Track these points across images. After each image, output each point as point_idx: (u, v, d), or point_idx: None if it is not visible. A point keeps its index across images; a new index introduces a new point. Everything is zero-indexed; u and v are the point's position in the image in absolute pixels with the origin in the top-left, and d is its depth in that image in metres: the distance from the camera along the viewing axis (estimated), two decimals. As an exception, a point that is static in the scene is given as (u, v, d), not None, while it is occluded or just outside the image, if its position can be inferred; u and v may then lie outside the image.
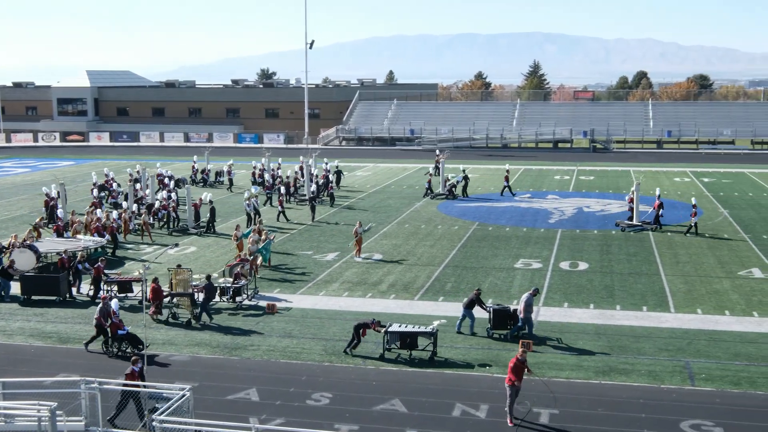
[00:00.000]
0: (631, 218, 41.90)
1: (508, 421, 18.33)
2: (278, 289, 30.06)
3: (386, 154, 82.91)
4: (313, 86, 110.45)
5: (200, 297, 26.88)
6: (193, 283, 27.96)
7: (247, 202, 42.67)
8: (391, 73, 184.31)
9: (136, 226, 40.40)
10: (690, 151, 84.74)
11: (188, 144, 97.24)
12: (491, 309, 24.95)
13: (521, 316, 24.29)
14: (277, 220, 43.69)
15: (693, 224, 39.46)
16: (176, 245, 37.33)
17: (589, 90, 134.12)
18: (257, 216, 42.04)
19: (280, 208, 44.50)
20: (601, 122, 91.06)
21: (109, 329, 23.21)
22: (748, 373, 21.44)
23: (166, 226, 41.94)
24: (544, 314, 26.92)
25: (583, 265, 33.58)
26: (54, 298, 28.89)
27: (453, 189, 52.46)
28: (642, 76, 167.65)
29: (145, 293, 25.59)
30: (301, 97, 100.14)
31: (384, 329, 22.92)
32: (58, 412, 16.28)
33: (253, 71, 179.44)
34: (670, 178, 61.95)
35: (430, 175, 55.64)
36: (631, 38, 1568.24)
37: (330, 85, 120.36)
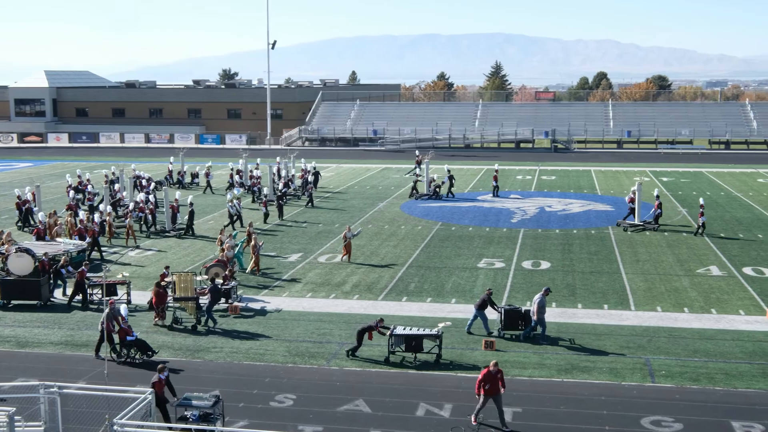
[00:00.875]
0: (631, 218, 42.26)
1: (472, 418, 18.41)
2: (241, 290, 29.86)
3: (349, 154, 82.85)
4: (276, 87, 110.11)
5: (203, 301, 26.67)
6: (201, 287, 27.52)
7: (230, 204, 42.33)
8: (353, 73, 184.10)
9: (116, 230, 39.68)
10: (649, 150, 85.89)
11: (149, 145, 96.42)
12: (502, 309, 24.89)
13: (534, 317, 24.20)
14: (264, 222, 43.28)
15: (701, 224, 39.65)
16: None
17: (550, 90, 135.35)
18: (239, 220, 41.85)
19: (264, 209, 44.20)
20: (562, 122, 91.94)
21: (117, 335, 22.76)
22: (706, 370, 21.77)
23: (144, 227, 41.17)
24: (507, 313, 27.05)
25: (545, 265, 33.85)
26: (35, 302, 28.33)
27: (438, 189, 52.52)
28: (602, 76, 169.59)
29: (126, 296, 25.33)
30: (263, 97, 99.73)
31: (389, 332, 22.59)
32: (16, 417, 16.00)
33: (214, 71, 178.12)
34: (630, 178, 62.66)
35: (417, 176, 55.51)
36: (591, 39, 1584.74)
37: (292, 86, 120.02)
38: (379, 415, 18.95)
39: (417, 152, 67.69)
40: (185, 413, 17.33)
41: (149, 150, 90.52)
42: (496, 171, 55.35)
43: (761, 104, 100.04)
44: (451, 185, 53.27)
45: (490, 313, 25.00)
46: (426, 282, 31.06)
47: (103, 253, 35.84)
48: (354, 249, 36.78)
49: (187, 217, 40.92)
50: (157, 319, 26.05)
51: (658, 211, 41.22)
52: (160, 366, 18.60)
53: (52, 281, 29.72)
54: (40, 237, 36.36)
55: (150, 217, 41.39)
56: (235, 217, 42.01)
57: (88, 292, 28.54)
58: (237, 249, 32.19)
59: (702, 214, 39.96)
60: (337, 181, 61.71)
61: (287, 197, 46.83)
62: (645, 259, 34.60)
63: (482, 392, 18.19)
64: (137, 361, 22.49)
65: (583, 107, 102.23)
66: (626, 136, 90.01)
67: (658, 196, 42.51)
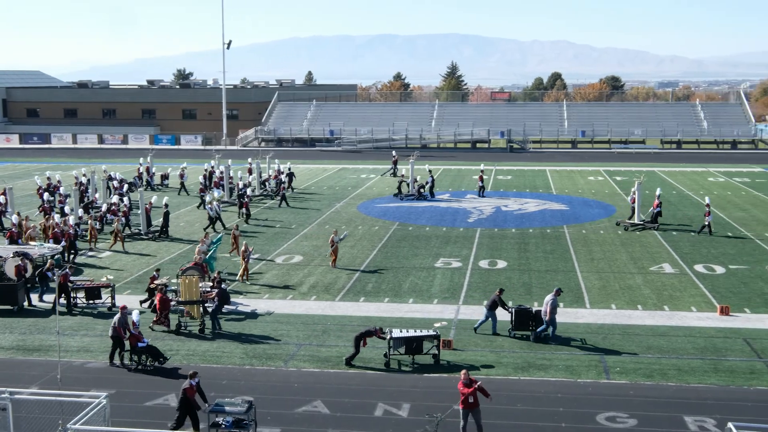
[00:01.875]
0: (632, 217, 42.63)
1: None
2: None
3: (306, 155, 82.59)
4: (231, 87, 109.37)
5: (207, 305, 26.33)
6: (207, 290, 27.10)
7: (210, 206, 41.85)
8: (310, 73, 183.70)
9: (83, 232, 38.96)
10: (603, 150, 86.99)
11: (102, 146, 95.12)
12: (513, 310, 24.83)
13: (546, 318, 24.18)
14: (246, 222, 42.88)
15: (707, 224, 39.94)
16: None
17: (505, 91, 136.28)
18: (219, 221, 41.43)
19: (245, 210, 43.70)
20: (518, 122, 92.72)
21: (128, 341, 22.31)
22: (659, 366, 22.12)
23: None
24: (464, 312, 27.22)
25: (501, 264, 34.09)
26: (11, 307, 27.69)
27: (422, 190, 52.57)
28: (557, 77, 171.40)
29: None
30: (218, 97, 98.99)
31: (387, 336, 22.31)
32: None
33: (169, 72, 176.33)
34: (585, 177, 63.44)
35: (402, 176, 55.30)
36: (546, 40, 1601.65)
37: (248, 86, 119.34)
38: (337, 416, 18.92)
39: (393, 153, 67.79)
40: (217, 419, 17.06)
41: (102, 151, 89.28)
42: (482, 171, 55.58)
43: (711, 104, 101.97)
44: (432, 185, 53.40)
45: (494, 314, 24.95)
46: (383, 282, 31.08)
47: (78, 257, 35.05)
48: (310, 250, 36.74)
49: (162, 219, 40.33)
50: (154, 324, 25.54)
51: (657, 209, 41.69)
52: (191, 372, 18.28)
53: (39, 285, 29.16)
54: (13, 240, 35.52)
55: (124, 219, 40.69)
56: (215, 219, 41.57)
57: (73, 295, 27.97)
58: (210, 253, 31.58)
59: (708, 214, 40.27)
60: (294, 181, 61.37)
61: (249, 197, 46.42)
62: (599, 258, 35.04)
63: (462, 406, 17.59)
64: (149, 368, 22.07)
65: (538, 107, 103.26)
66: (580, 136, 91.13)
67: (658, 196, 42.97)
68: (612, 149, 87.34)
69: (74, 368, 22.11)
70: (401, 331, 22.72)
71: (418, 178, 54.62)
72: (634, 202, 42.87)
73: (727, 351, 23.23)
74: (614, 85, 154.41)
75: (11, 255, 30.46)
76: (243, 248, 31.42)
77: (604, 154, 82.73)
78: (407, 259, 35.02)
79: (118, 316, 22.64)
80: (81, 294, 28.14)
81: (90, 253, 36.37)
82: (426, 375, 21.56)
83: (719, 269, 32.85)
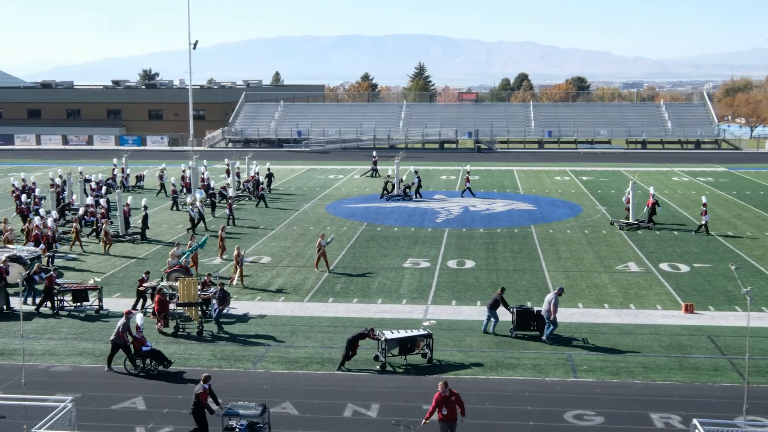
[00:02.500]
0: (627, 217, 42.85)
1: None
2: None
3: (274, 155, 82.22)
4: (198, 87, 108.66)
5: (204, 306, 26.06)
6: (209, 291, 26.78)
7: (191, 207, 41.44)
8: (277, 74, 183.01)
9: (61, 236, 38.33)
10: (569, 150, 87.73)
11: (66, 147, 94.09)
12: (515, 310, 24.83)
13: (551, 317, 24.12)
14: (233, 224, 42.45)
15: (704, 223, 40.16)
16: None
17: (472, 91, 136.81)
18: (202, 222, 41.07)
19: (228, 211, 43.30)
20: (485, 123, 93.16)
21: (132, 345, 21.93)
22: (626, 364, 22.34)
23: (94, 233, 39.69)
24: (433, 312, 27.29)
25: (469, 263, 34.23)
26: None
27: (407, 190, 52.48)
28: (523, 78, 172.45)
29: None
30: (185, 98, 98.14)
31: (382, 339, 22.14)
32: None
33: (134, 72, 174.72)
34: (552, 177, 63.91)
35: (388, 176, 55.06)
36: (512, 41, 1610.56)
37: (215, 87, 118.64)
38: (306, 417, 18.88)
39: (374, 153, 67.77)
40: (231, 423, 16.90)
41: (67, 152, 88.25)
42: (468, 172, 55.65)
43: (675, 105, 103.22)
44: (419, 186, 53.41)
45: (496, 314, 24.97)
46: (352, 283, 31.06)
47: (55, 260, 34.49)
48: (279, 251, 36.63)
49: (140, 221, 39.86)
50: (159, 326, 25.24)
51: (651, 209, 42.00)
52: (205, 375, 17.99)
53: (26, 288, 28.66)
54: None
55: (103, 221, 40.06)
56: (197, 221, 41.17)
57: (58, 298, 27.57)
58: (184, 256, 31.01)
59: (705, 213, 40.53)
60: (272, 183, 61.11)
61: (232, 198, 46.13)
62: (566, 257, 35.32)
63: (439, 418, 16.97)
64: (153, 372, 21.75)
65: (505, 108, 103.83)
66: (547, 136, 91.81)
67: (653, 195, 43.29)
68: (578, 149, 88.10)
69: (39, 372, 21.82)
70: (393, 332, 22.66)
71: (403, 178, 54.65)
72: (629, 202, 43.11)
73: (692, 348, 23.54)
74: (580, 85, 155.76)
75: (3, 259, 30.17)
76: (236, 252, 30.97)
77: (571, 155, 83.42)
78: (376, 259, 35.02)
79: (122, 320, 22.26)
80: (68, 297, 27.75)
81: (70, 255, 35.88)
82: (395, 375, 21.59)
83: (684, 268, 33.27)
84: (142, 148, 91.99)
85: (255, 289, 30.11)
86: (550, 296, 24.57)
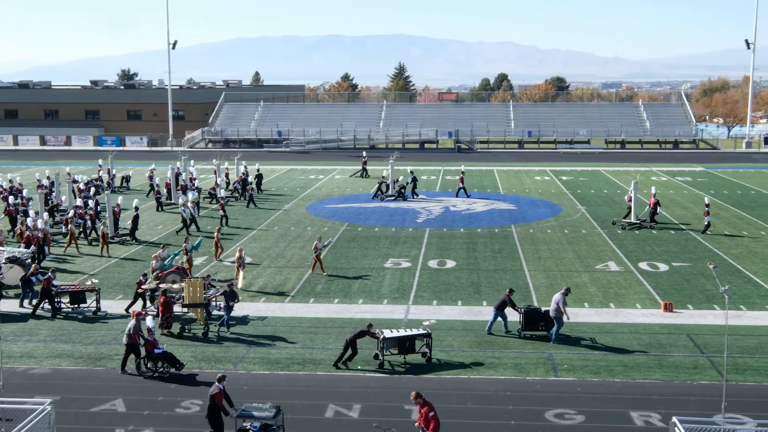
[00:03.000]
0: (627, 216, 42.97)
1: None
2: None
3: (254, 156, 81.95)
4: (177, 87, 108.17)
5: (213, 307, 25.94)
6: (218, 292, 26.60)
7: (183, 208, 41.17)
8: (257, 74, 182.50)
9: (52, 237, 37.83)
10: (549, 150, 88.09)
11: (44, 147, 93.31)
12: (522, 310, 24.84)
13: (554, 315, 24.13)
14: (226, 224, 42.11)
15: (707, 223, 40.35)
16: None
17: (453, 92, 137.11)
18: (195, 223, 40.81)
19: (222, 212, 43.00)
20: (465, 123, 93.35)
21: (144, 348, 21.69)
22: (606, 362, 22.46)
23: (83, 234, 39.28)
24: (414, 312, 27.30)
25: (450, 263, 34.28)
26: None
27: (402, 190, 52.39)
28: (503, 78, 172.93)
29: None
30: (164, 98, 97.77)
31: (381, 338, 22.18)
32: None
33: (113, 72, 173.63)
34: (531, 177, 64.14)
35: (383, 177, 54.81)
36: (492, 41, 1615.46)
37: (194, 87, 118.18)
38: (288, 418, 18.78)
39: (363, 153, 67.66)
40: (245, 425, 16.79)
41: (45, 153, 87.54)
42: (462, 173, 55.70)
43: (653, 105, 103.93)
44: (414, 185, 53.33)
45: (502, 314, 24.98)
46: (333, 283, 31.03)
47: (43, 262, 34.14)
48: (260, 251, 36.51)
49: (130, 222, 39.53)
50: (162, 328, 25.05)
51: (653, 208, 42.18)
52: (219, 376, 17.86)
53: (21, 290, 28.44)
54: None
55: (90, 222, 39.75)
56: (189, 221, 40.92)
57: (57, 300, 27.32)
58: (168, 259, 30.57)
59: (708, 213, 40.75)
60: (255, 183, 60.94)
61: (224, 199, 45.96)
62: (546, 256, 35.46)
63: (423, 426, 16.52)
64: (165, 375, 21.56)
65: (485, 108, 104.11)
66: (527, 136, 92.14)
67: (654, 194, 43.46)
68: (558, 149, 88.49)
69: (17, 375, 21.62)
70: (392, 331, 22.71)
71: (400, 178, 54.67)
72: (630, 201, 43.29)
73: (671, 347, 23.71)
74: (559, 86, 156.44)
75: (3, 261, 29.93)
76: (238, 255, 30.75)
77: (550, 154, 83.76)
78: (357, 259, 35.00)
79: (132, 322, 22.05)
80: (65, 298, 27.51)
81: (50, 256, 35.58)
82: (376, 375, 21.58)
83: (663, 267, 33.50)
84: (121, 148, 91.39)
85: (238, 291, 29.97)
86: (557, 296, 24.53)
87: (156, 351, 21.64)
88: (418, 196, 52.80)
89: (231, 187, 54.22)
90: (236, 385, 20.82)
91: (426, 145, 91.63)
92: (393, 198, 51.94)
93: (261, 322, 26.14)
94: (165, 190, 50.84)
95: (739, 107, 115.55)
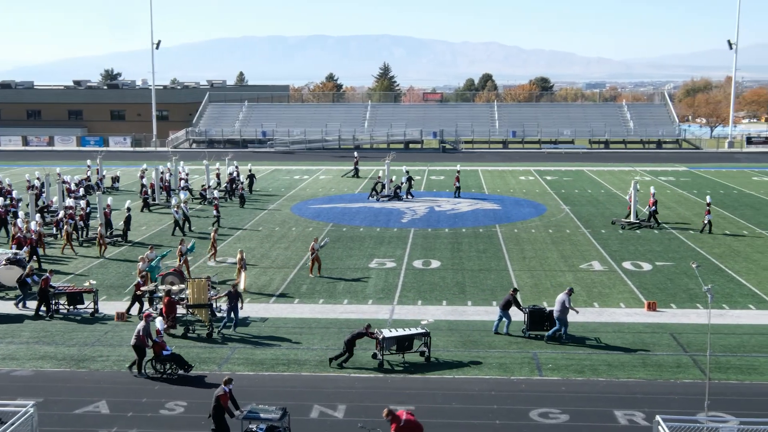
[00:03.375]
0: (628, 216, 43.09)
1: None
2: (127, 297, 29.06)
3: (238, 156, 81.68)
4: (161, 87, 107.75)
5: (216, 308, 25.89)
6: (222, 293, 26.43)
7: (176, 209, 40.95)
8: (241, 74, 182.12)
9: (48, 237, 37.55)
10: (533, 150, 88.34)
11: (27, 148, 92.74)
12: (527, 310, 24.85)
13: (558, 316, 24.14)
14: (219, 225, 41.76)
15: (707, 222, 40.54)
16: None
17: (437, 92, 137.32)
18: (188, 223, 40.59)
19: (216, 213, 42.68)
20: (450, 123, 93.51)
21: (152, 349, 21.48)
22: (590, 362, 22.55)
23: (75, 235, 38.76)
24: (399, 312, 27.31)
25: (435, 263, 34.31)
26: None
27: (398, 190, 52.31)
28: (487, 78, 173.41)
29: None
30: (148, 98, 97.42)
31: (380, 337, 22.17)
32: None
33: (96, 72, 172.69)
34: (516, 177, 64.32)
35: (379, 177, 54.58)
36: (477, 42, 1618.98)
37: (178, 87, 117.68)
38: (272, 419, 18.77)
39: (355, 154, 67.56)
40: (251, 426, 16.71)
41: (27, 153, 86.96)
42: (458, 172, 55.69)
43: (637, 105, 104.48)
44: (410, 185, 53.30)
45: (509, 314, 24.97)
46: (318, 283, 30.98)
47: (41, 263, 33.84)
48: (244, 252, 36.33)
49: (122, 223, 39.27)
50: (166, 329, 24.81)
51: (653, 208, 42.33)
52: (226, 378, 17.73)
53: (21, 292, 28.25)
54: None
55: (82, 223, 39.43)
56: (183, 222, 40.72)
57: (54, 301, 27.10)
58: (155, 260, 30.17)
59: (708, 212, 40.94)
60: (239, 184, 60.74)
61: (217, 199, 45.86)
62: (531, 256, 35.56)
63: None
64: (174, 377, 21.40)
65: (469, 108, 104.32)
66: (511, 137, 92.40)
67: (653, 194, 43.59)
68: (542, 149, 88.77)
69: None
70: (390, 331, 22.74)
71: (393, 178, 54.63)
72: (631, 200, 43.39)
73: (655, 346, 23.83)
74: (543, 86, 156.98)
75: (3, 262, 29.71)
76: (239, 256, 30.50)
77: (535, 154, 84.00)
78: (341, 260, 34.98)
79: (142, 324, 21.84)
80: (63, 300, 27.27)
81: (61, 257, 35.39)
82: (362, 376, 21.57)
83: (646, 266, 33.67)
84: (104, 148, 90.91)
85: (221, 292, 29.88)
86: (561, 296, 24.52)
87: (164, 352, 21.46)
88: (413, 197, 52.77)
89: (221, 187, 54.06)
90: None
91: (411, 146, 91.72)
92: (388, 198, 51.90)
93: (245, 323, 26.05)
94: (150, 191, 50.63)
95: (722, 107, 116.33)
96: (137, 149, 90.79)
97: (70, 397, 20.04)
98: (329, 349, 23.49)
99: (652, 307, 27.47)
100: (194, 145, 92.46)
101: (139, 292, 26.95)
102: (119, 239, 38.68)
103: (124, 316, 26.45)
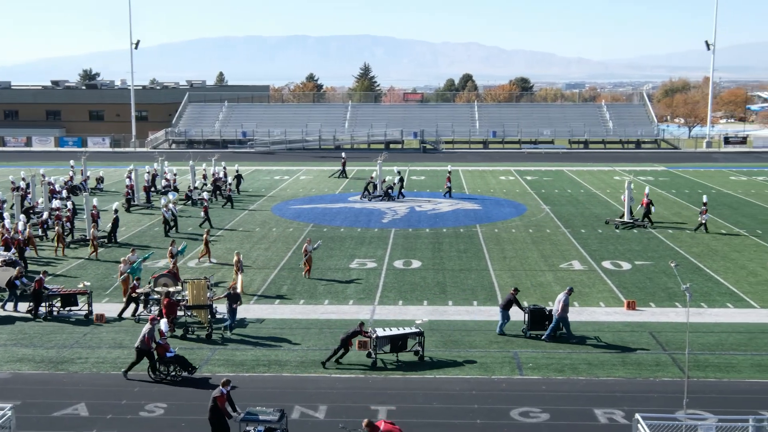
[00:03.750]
0: (622, 216, 43.24)
1: None
2: (107, 298, 28.88)
3: (221, 156, 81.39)
4: (140, 88, 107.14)
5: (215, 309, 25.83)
6: (222, 295, 26.30)
7: (165, 208, 40.66)
8: (221, 74, 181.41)
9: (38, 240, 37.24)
10: (513, 150, 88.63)
11: (4, 149, 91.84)
12: (528, 309, 24.84)
13: (557, 315, 24.17)
14: (200, 226, 41.32)
15: (703, 222, 40.72)
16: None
17: (418, 92, 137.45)
18: (176, 224, 40.34)
19: (204, 214, 42.28)
20: (430, 123, 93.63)
21: (156, 352, 21.21)
22: (570, 361, 22.65)
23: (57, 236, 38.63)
24: (380, 313, 27.31)
25: (416, 263, 34.33)
26: None
27: (390, 190, 52.18)
28: (468, 78, 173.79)
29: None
30: (127, 98, 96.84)
31: (374, 336, 22.23)
32: None
33: (74, 72, 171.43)
34: (496, 177, 64.50)
35: (372, 177, 54.07)
36: (457, 42, 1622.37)
37: (158, 87, 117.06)
38: (253, 420, 18.71)
39: (342, 154, 67.40)
40: (248, 429, 16.59)
41: (5, 154, 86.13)
42: (449, 172, 55.63)
43: (616, 105, 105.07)
44: (401, 186, 53.19)
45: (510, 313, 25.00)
46: (298, 284, 30.92)
47: (27, 264, 33.47)
48: (224, 252, 36.25)
49: (110, 224, 38.93)
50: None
51: (646, 208, 42.53)
52: (224, 380, 17.60)
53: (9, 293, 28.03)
54: None
55: (68, 224, 39.01)
56: (172, 222, 40.43)
57: (48, 303, 26.87)
58: (137, 262, 29.69)
59: (705, 212, 41.14)
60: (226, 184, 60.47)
61: (206, 200, 45.64)
62: (511, 256, 35.67)
63: None
64: (178, 379, 21.19)
65: (450, 108, 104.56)
66: (492, 137, 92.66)
67: (647, 194, 43.78)
68: (522, 149, 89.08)
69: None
70: (384, 330, 22.79)
71: (386, 178, 54.59)
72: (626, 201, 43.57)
73: (634, 344, 23.97)
74: (523, 86, 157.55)
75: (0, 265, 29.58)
76: (236, 258, 30.17)
77: (515, 154, 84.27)
78: (322, 260, 34.91)
79: (147, 326, 21.56)
80: (57, 301, 27.04)
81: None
82: (342, 376, 21.54)
83: (626, 265, 33.86)
84: (83, 149, 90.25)
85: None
86: (561, 295, 24.61)
87: (168, 354, 21.30)
88: (403, 196, 52.73)
89: (207, 188, 53.84)
90: (201, 387, 20.68)
91: (391, 146, 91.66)
92: (380, 198, 51.87)
93: (243, 324, 25.94)
94: (130, 191, 50.28)
95: (700, 107, 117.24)
96: (116, 150, 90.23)
97: (48, 400, 19.87)
98: (310, 350, 23.45)
99: (631, 306, 27.64)
100: (174, 146, 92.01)
101: (134, 294, 26.70)
102: (104, 240, 38.37)
103: (103, 318, 26.26)
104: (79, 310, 27.05)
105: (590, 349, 23.54)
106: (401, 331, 22.88)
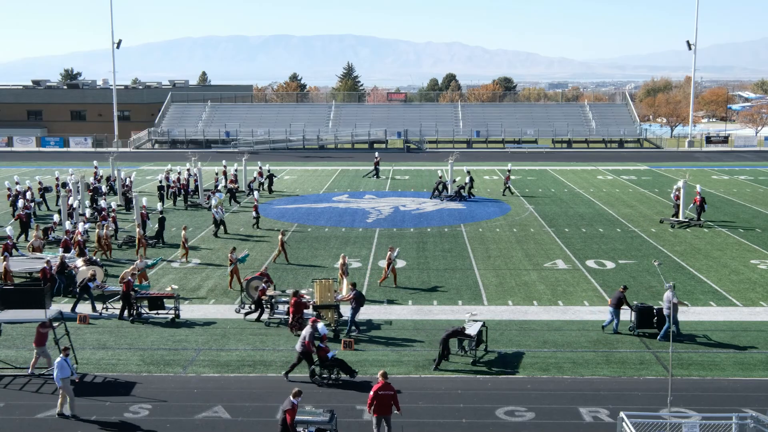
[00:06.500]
0: (676, 215, 43.36)
1: None
2: (187, 301, 28.68)
3: (201, 156, 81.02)
4: (122, 87, 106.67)
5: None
6: (338, 296, 26.27)
7: (216, 209, 40.41)
8: (204, 74, 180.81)
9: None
10: (497, 150, 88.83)
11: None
12: (636, 308, 24.80)
13: (667, 313, 23.91)
14: (254, 227, 41.34)
15: (697, 213, 41.37)
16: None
17: (401, 92, 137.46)
18: (223, 226, 40.27)
19: (255, 213, 42.13)
20: (414, 123, 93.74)
21: (317, 355, 21.01)
22: (555, 359, 22.72)
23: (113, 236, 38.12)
24: (365, 312, 27.26)
25: (401, 263, 34.29)
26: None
27: (461, 190, 52.02)
28: (451, 78, 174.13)
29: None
30: (109, 98, 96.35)
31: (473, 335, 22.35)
32: None
33: (55, 71, 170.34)
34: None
35: (440, 177, 53.47)
36: (440, 42, 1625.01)
37: (140, 87, 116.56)
38: (238, 421, 18.67)
39: (376, 154, 67.20)
40: (298, 430, 16.49)
41: (5, 154, 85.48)
42: (440, 176, 55.50)
43: (599, 105, 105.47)
44: (471, 186, 53.06)
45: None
46: (283, 284, 30.82)
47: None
48: (208, 253, 36.14)
49: (157, 225, 38.65)
50: (291, 329, 24.67)
51: (699, 206, 42.74)
52: (295, 391, 16.78)
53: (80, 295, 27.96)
54: (68, 249, 33.52)
55: (113, 225, 38.65)
56: (219, 223, 40.25)
57: (137, 305, 26.73)
58: (144, 268, 29.64)
59: (696, 201, 41.55)
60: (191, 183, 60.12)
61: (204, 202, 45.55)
62: (496, 255, 35.74)
63: (373, 413, 17.13)
64: (339, 383, 20.98)
65: (433, 108, 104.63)
66: (475, 136, 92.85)
67: (699, 192, 43.92)
68: (506, 149, 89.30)
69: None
70: (469, 327, 23.01)
71: (457, 179, 54.41)
72: (678, 199, 43.59)
73: (618, 343, 24.08)
74: (507, 86, 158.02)
75: (82, 264, 29.52)
76: (341, 261, 29.63)
77: (498, 154, 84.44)
78: (307, 260, 34.86)
79: (308, 329, 21.31)
80: (144, 303, 26.85)
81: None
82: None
83: (609, 264, 34.02)
84: (64, 149, 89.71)
85: (185, 292, 29.63)
86: (668, 294, 24.12)
87: (329, 355, 21.08)
88: (473, 196, 52.46)
89: (254, 185, 53.59)
90: (186, 388, 20.62)
91: (375, 145, 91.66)
92: (451, 198, 51.67)
93: (210, 325, 25.87)
94: (221, 192, 49.65)
95: (682, 107, 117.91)
96: (99, 150, 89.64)
97: (30, 402, 19.73)
98: (295, 351, 23.35)
99: (615, 304, 27.71)
100: (156, 146, 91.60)
101: (264, 298, 26.40)
102: (155, 241, 38.11)
103: (86, 319, 26.07)
104: (166, 313, 26.76)
105: (575, 348, 23.63)
106: (476, 327, 22.90)
